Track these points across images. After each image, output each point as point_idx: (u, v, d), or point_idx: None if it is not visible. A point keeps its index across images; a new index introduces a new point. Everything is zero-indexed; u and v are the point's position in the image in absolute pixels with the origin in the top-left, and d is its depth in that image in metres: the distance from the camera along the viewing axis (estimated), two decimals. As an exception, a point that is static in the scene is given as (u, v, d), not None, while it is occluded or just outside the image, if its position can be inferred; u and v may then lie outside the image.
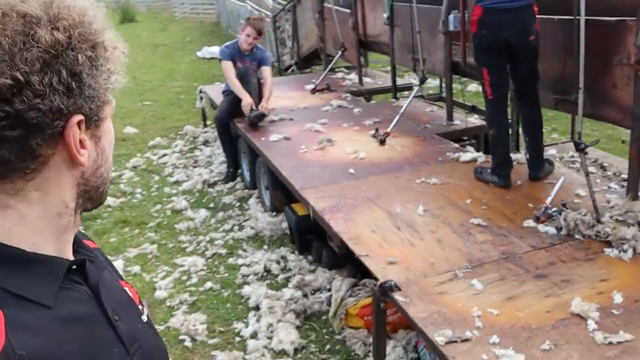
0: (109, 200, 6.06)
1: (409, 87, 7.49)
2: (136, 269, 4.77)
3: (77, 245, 0.97)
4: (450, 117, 5.68)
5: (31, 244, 0.84)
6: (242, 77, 6.08)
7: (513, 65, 4.01)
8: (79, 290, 0.89)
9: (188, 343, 3.80)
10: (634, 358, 2.45)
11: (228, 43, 6.32)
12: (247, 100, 5.90)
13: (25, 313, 0.79)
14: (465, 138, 5.62)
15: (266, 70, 6.26)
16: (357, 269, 4.06)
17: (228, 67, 6.11)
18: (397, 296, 2.96)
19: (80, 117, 0.83)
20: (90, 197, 0.92)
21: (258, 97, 6.03)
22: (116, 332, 0.90)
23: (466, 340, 2.61)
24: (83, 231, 1.08)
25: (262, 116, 5.91)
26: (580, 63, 3.36)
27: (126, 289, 1.05)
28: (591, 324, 2.64)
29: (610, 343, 2.53)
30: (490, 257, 3.28)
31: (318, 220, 4.04)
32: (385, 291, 3.02)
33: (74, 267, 0.90)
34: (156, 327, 3.71)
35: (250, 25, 6.11)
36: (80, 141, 0.85)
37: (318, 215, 3.99)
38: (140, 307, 1.05)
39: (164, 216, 5.76)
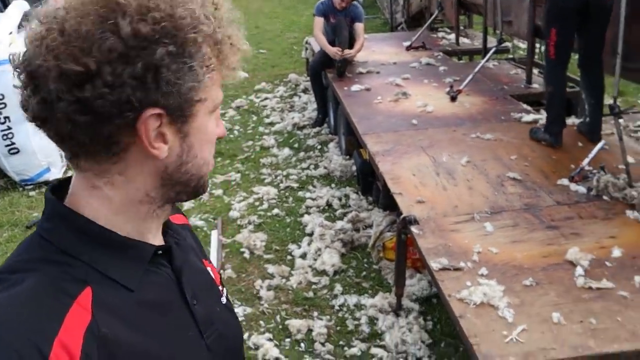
0: (208, 134, 6.78)
1: (505, 50, 7.49)
2: (219, 192, 5.44)
3: (167, 226, 0.97)
4: (529, 81, 5.77)
5: (114, 226, 0.85)
6: (335, 29, 6.48)
7: (585, 29, 4.07)
8: (162, 274, 0.91)
9: (247, 255, 4.40)
10: (606, 302, 2.65)
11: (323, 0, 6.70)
12: (332, 51, 6.32)
13: (111, 294, 0.82)
14: (544, 102, 5.68)
15: (359, 27, 6.56)
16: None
17: (318, 22, 6.56)
18: (414, 229, 3.33)
19: (155, 110, 0.80)
20: (181, 191, 0.89)
21: (347, 48, 6.40)
22: (193, 316, 0.92)
23: (458, 269, 2.94)
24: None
25: (345, 62, 6.29)
26: (620, 27, 3.47)
27: (209, 269, 1.06)
28: (579, 270, 2.85)
29: (590, 288, 2.73)
30: (513, 206, 3.53)
31: (371, 161, 4.43)
32: (406, 224, 3.41)
33: (160, 251, 0.92)
34: (224, 240, 4.33)
35: None
36: (162, 135, 0.82)
37: (371, 157, 4.39)
38: (220, 287, 1.07)
39: (253, 151, 6.40)
